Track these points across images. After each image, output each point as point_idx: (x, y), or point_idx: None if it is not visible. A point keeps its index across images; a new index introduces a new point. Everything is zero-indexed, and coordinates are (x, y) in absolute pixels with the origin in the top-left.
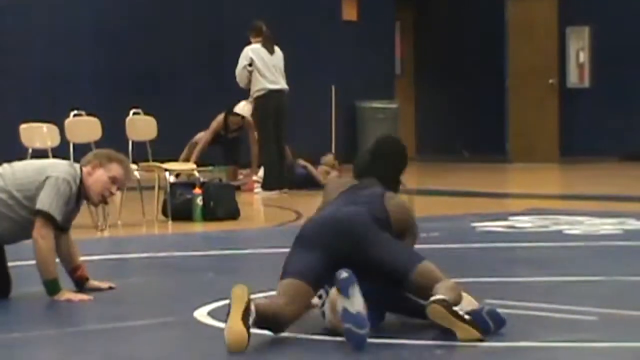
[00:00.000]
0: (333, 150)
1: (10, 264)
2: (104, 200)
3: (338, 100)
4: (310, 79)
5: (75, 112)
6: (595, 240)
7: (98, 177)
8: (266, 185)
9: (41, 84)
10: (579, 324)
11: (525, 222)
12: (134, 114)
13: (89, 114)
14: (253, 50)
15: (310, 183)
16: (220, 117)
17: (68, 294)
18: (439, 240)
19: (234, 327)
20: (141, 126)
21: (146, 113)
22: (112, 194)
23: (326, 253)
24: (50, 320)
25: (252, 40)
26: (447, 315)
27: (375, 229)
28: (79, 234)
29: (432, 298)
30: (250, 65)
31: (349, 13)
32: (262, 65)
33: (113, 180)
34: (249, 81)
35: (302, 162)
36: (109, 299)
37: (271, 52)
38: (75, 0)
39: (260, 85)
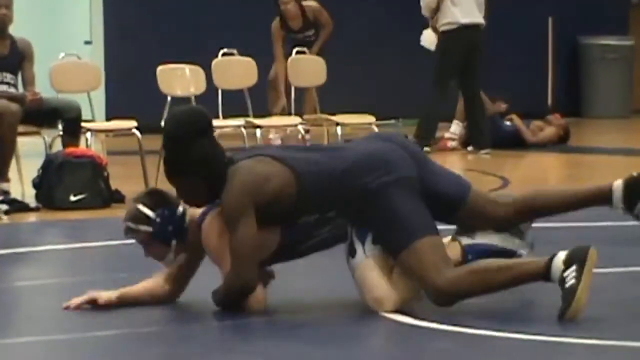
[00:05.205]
0: (550, 97)
1: None
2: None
3: (557, 36)
4: (523, 10)
5: (225, 51)
6: None
7: None
8: (479, 142)
9: (184, 17)
10: None
11: None
12: (297, 53)
13: (241, 54)
14: None
15: (516, 141)
16: (274, 23)
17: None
18: None
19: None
20: (306, 69)
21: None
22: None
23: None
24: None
25: None
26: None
27: None
28: None
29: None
30: None
31: None
32: None
33: None
34: (436, 11)
35: (501, 104)
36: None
37: None
38: None
39: (450, 17)
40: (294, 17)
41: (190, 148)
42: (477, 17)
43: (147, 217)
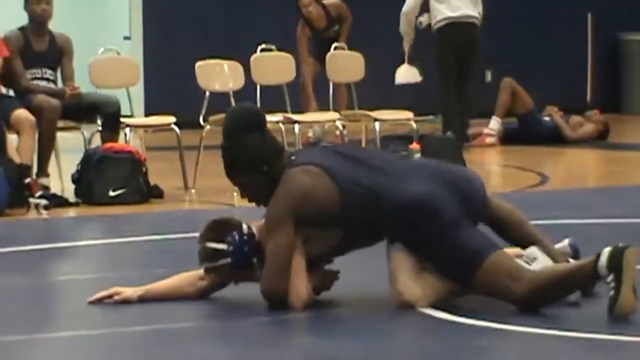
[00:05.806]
0: (589, 93)
1: None
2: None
3: (596, 32)
4: (562, 6)
5: (264, 46)
6: None
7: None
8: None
9: (223, 13)
10: None
11: None
12: (335, 48)
13: (279, 50)
14: None
15: (554, 137)
16: (299, 28)
17: None
18: None
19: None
20: (344, 64)
21: (351, 48)
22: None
23: None
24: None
25: None
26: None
27: None
28: None
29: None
30: None
31: None
32: None
33: None
34: (416, 16)
35: (550, 109)
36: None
37: None
38: None
39: (439, 15)
40: (317, 19)
41: (242, 143)
42: (468, 11)
43: (219, 250)
